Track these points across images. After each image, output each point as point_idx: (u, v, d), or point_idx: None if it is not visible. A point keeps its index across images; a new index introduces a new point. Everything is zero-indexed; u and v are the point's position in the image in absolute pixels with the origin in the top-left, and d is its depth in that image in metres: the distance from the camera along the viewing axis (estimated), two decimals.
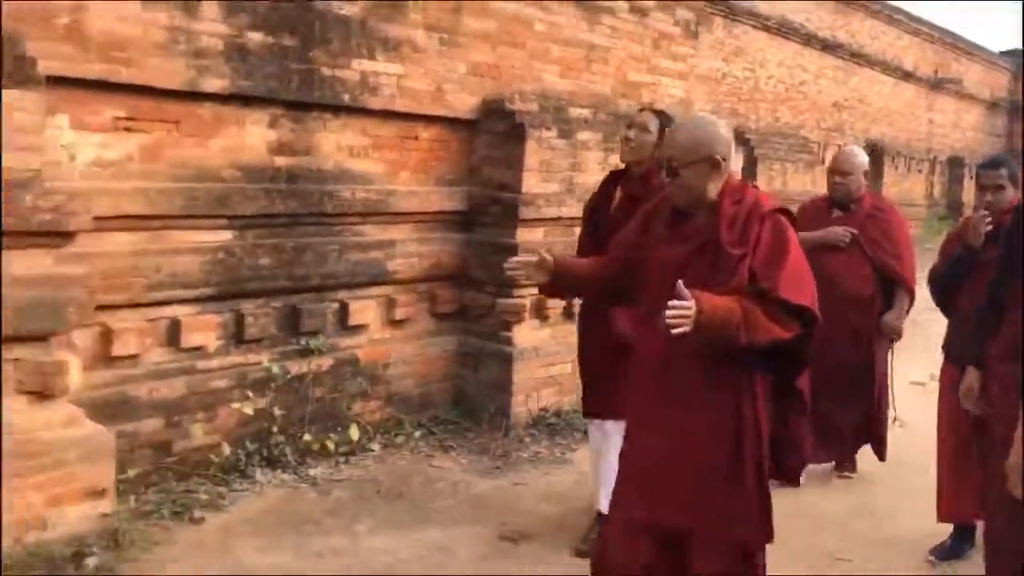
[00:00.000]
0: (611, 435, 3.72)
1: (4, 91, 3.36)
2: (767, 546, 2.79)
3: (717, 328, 2.52)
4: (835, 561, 4.03)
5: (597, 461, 3.97)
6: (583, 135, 5.84)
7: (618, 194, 3.84)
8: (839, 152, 5.03)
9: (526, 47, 5.85)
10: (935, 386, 4.37)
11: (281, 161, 4.74)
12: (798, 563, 3.83)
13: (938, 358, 4.20)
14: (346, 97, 4.92)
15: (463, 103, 5.54)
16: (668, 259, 2.73)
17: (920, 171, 21.20)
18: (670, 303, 2.47)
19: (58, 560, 3.49)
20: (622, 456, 2.91)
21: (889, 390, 5.05)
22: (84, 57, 3.89)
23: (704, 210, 2.76)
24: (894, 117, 20.04)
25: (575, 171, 5.80)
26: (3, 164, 3.37)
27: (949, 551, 4.05)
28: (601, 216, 3.85)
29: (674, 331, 2.46)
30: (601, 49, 6.39)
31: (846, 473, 5.02)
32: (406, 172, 5.42)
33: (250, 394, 4.59)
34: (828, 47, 16.41)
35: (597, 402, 3.90)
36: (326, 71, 4.79)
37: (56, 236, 3.51)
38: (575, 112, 5.93)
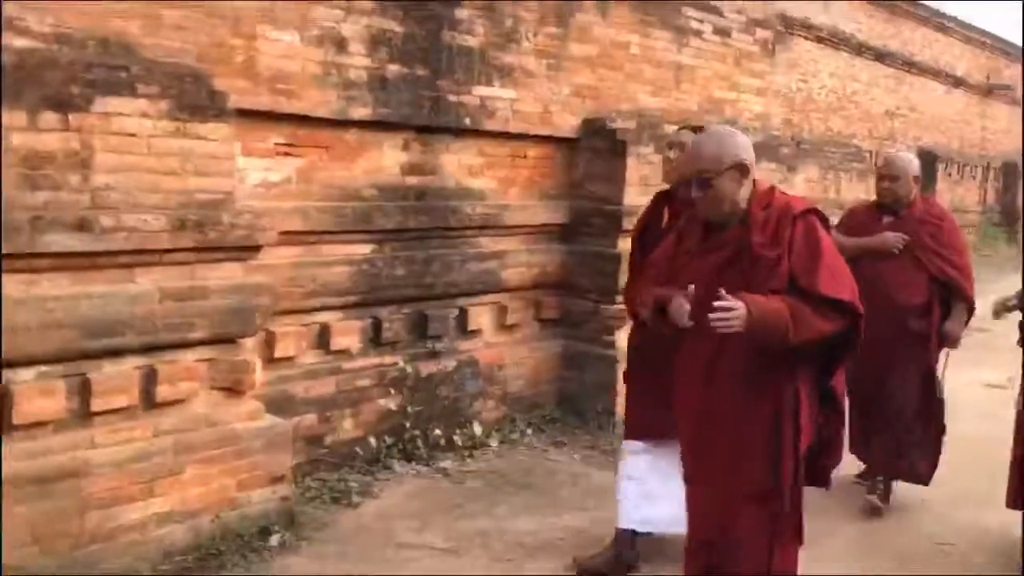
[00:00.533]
0: (625, 453, 3.97)
1: (201, 124, 3.84)
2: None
3: (768, 326, 2.58)
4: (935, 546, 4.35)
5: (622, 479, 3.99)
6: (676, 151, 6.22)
7: (666, 214, 3.85)
8: (887, 156, 4.88)
9: (623, 69, 6.27)
10: (1013, 391, 4.49)
11: (412, 180, 5.19)
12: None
13: (1012, 360, 4.40)
14: (467, 120, 5.36)
15: (567, 123, 5.97)
16: (702, 271, 2.77)
17: (974, 177, 21.25)
18: (715, 303, 2.53)
19: (246, 536, 3.95)
20: (684, 471, 3.01)
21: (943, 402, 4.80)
22: (255, 90, 4.36)
23: (735, 219, 2.81)
24: (946, 124, 20.13)
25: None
26: (200, 187, 3.85)
27: None
28: (651, 236, 3.82)
29: (723, 329, 2.53)
30: (688, 69, 6.79)
31: (874, 499, 4.65)
32: (516, 188, 5.85)
33: (391, 391, 5.04)
34: (880, 56, 16.62)
35: (654, 422, 3.75)
36: (451, 97, 5.24)
37: (246, 250, 3.98)
38: (668, 129, 6.32)
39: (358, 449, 4.90)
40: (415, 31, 4.99)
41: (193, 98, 3.83)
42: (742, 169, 2.77)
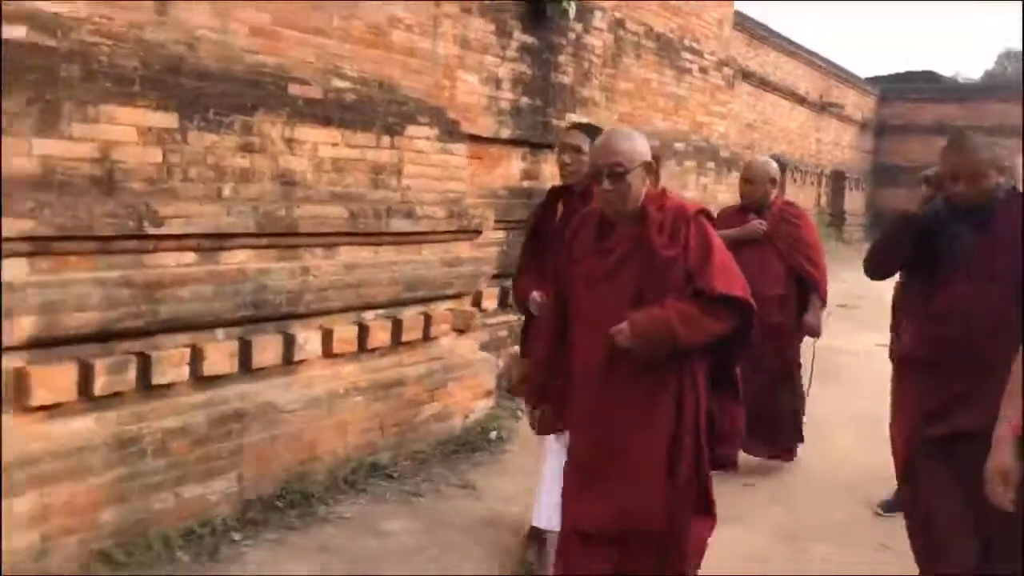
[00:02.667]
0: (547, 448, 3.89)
1: (451, 143, 5.48)
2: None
3: (652, 339, 2.73)
4: None
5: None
6: (688, 162, 8.26)
7: (560, 209, 3.99)
8: (749, 161, 5.40)
9: (646, 100, 8.22)
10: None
11: (527, 184, 6.93)
12: None
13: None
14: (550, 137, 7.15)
15: None
16: (602, 268, 2.87)
17: (812, 183, 24.57)
18: (611, 331, 2.75)
19: (472, 435, 5.60)
20: (566, 466, 3.06)
21: (806, 387, 5.38)
22: (454, 117, 6.00)
23: (630, 218, 2.88)
24: (791, 136, 23.25)
25: (683, 189, 8.20)
26: (451, 188, 5.48)
27: (895, 504, 4.36)
28: (545, 231, 4.02)
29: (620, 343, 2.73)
30: (683, 99, 8.83)
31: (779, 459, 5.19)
32: None
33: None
34: (744, 75, 19.38)
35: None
36: (554, 121, 7.01)
37: (476, 232, 5.64)
38: (679, 146, 8.34)
39: None
40: (536, 72, 6.74)
41: (447, 126, 5.46)
42: (649, 169, 2.88)
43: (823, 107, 25.38)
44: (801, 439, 5.37)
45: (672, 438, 2.82)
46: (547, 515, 3.76)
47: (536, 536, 3.90)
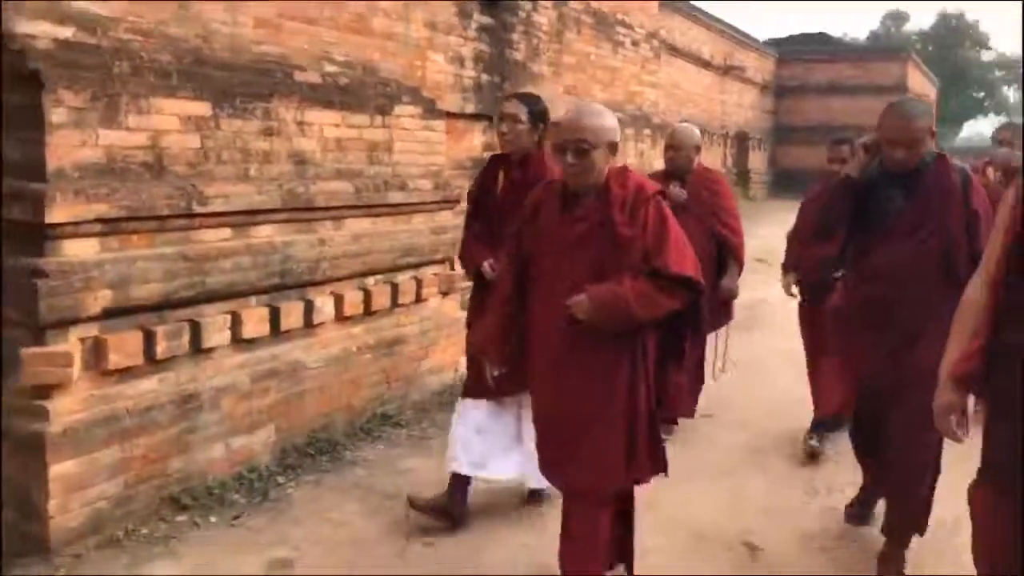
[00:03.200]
0: (504, 411, 4.00)
1: (432, 121, 5.97)
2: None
3: (609, 314, 2.87)
4: None
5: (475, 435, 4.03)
6: (627, 130, 8.90)
7: (501, 178, 4.07)
8: (673, 129, 5.40)
9: (586, 72, 8.81)
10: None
11: (487, 155, 7.43)
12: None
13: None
14: None
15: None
16: (564, 238, 2.95)
17: (719, 144, 25.65)
18: (567, 302, 2.89)
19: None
20: (536, 426, 3.24)
21: (725, 348, 5.60)
22: (430, 96, 6.48)
23: (593, 192, 2.97)
24: (698, 99, 24.19)
25: (624, 157, 8.85)
26: (433, 162, 5.98)
27: (825, 428, 5.08)
28: (486, 198, 4.13)
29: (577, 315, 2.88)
30: (618, 70, 9.46)
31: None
32: None
33: None
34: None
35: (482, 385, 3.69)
36: None
37: (455, 202, 6.16)
38: (618, 115, 8.97)
39: None
40: (493, 50, 7.25)
41: (426, 104, 5.95)
42: (613, 147, 2.97)
43: (726, 70, 26.44)
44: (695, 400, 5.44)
45: (627, 402, 2.97)
46: (457, 457, 3.98)
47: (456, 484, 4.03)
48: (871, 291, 3.59)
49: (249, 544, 3.89)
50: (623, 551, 3.33)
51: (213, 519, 4.09)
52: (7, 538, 3.62)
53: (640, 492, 3.36)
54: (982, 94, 48.58)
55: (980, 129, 56.91)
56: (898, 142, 3.43)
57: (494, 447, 3.98)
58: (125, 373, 3.95)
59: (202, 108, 4.32)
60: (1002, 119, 54.22)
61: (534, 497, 4.28)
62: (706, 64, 24.50)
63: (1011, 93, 52.30)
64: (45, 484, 3.59)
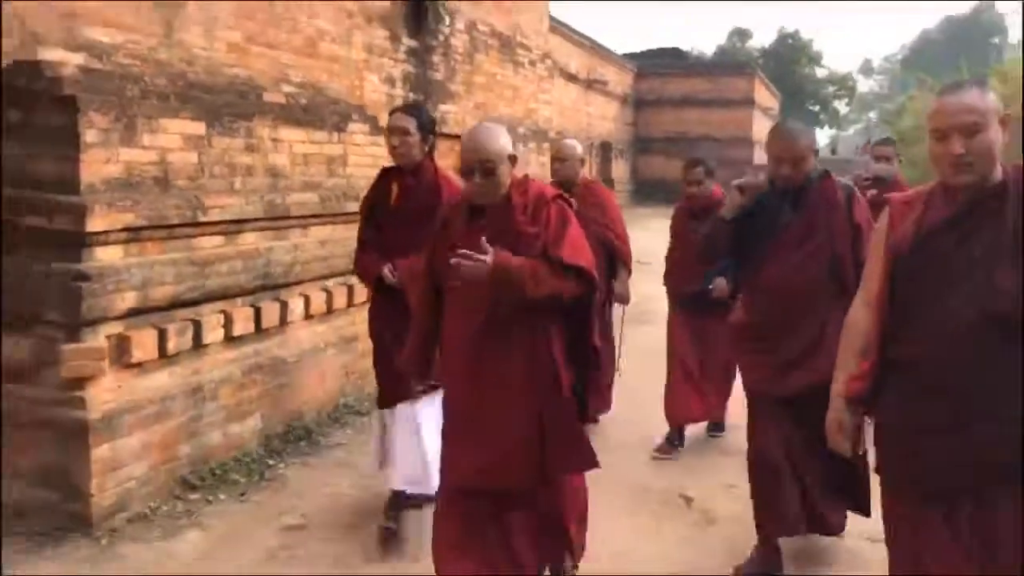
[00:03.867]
0: (400, 418, 4.11)
1: (379, 137, 6.54)
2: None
3: (510, 278, 2.94)
4: None
5: (386, 444, 4.21)
6: (530, 144, 9.67)
7: (395, 188, 4.14)
8: (559, 142, 5.64)
9: (493, 91, 9.53)
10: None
11: None
12: None
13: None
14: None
15: None
16: (471, 248, 2.96)
17: (584, 154, 26.82)
18: (463, 251, 2.90)
19: None
20: (445, 428, 3.24)
21: (617, 351, 5.81)
22: (373, 114, 7.02)
23: (498, 202, 3.11)
24: (566, 111, 25.25)
25: (526, 167, 9.61)
26: (372, 175, 6.54)
27: (671, 445, 5.44)
28: (381, 209, 4.19)
29: (468, 277, 2.91)
30: (519, 89, 10.22)
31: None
32: None
33: None
34: None
35: (397, 390, 4.04)
36: (432, 112, 8.16)
37: None
38: (520, 130, 9.73)
39: None
40: (418, 71, 7.86)
41: (371, 122, 6.53)
42: (513, 160, 3.12)
43: (590, 83, 27.72)
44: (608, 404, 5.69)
45: (539, 399, 3.07)
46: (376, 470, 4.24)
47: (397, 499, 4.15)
48: (765, 304, 3.71)
49: (261, 515, 4.39)
50: (553, 552, 3.31)
51: (222, 496, 4.56)
52: (50, 518, 4.00)
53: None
54: (817, 107, 52.23)
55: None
56: (783, 159, 3.61)
57: (397, 456, 4.12)
58: (143, 367, 4.38)
59: (198, 128, 4.78)
60: (834, 132, 58.53)
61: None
62: (572, 77, 25.65)
63: (841, 107, 56.35)
64: (88, 466, 4.01)
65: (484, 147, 3.06)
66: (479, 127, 3.21)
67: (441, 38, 8.19)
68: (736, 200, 3.72)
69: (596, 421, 5.43)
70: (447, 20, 8.19)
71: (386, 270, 4.03)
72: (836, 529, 3.93)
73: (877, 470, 2.59)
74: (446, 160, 8.66)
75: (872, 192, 5.31)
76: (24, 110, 4.07)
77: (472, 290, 3.01)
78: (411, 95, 7.72)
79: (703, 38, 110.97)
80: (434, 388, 3.64)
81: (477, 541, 3.12)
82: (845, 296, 3.30)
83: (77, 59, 4.26)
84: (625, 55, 33.77)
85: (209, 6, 5.01)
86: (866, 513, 3.81)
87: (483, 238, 2.94)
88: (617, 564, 3.95)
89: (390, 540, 4.05)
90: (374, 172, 6.52)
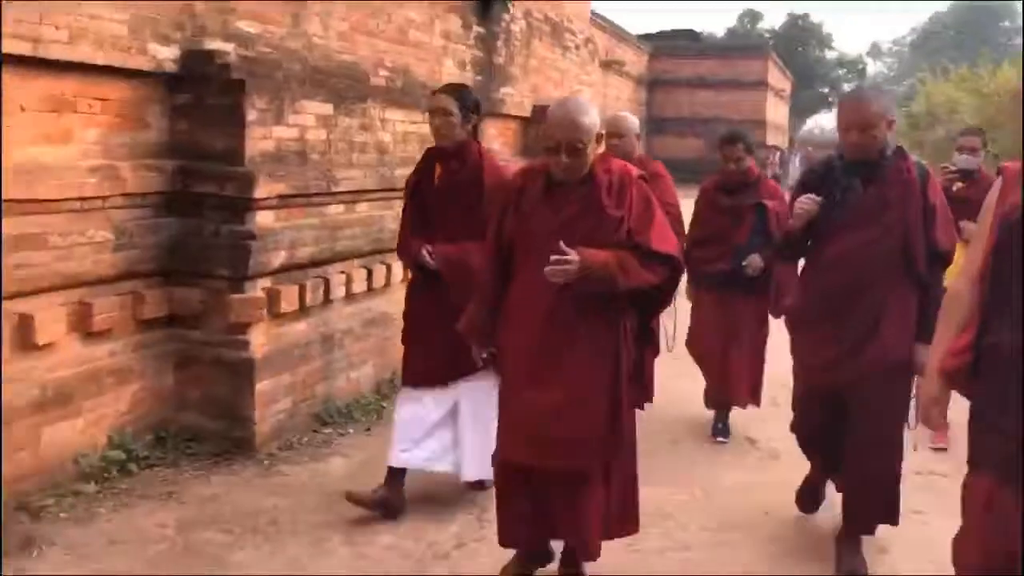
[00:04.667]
0: (438, 400, 4.10)
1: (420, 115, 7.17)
2: None
3: (598, 276, 2.92)
4: None
5: (414, 424, 4.12)
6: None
7: (438, 169, 4.09)
8: (613, 116, 5.26)
9: (543, 73, 10.14)
10: None
11: None
12: None
13: None
14: (497, 107, 8.93)
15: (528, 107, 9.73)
16: (550, 223, 2.97)
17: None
18: (553, 257, 2.85)
19: None
20: (506, 409, 3.21)
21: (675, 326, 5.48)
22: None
23: (581, 179, 3.03)
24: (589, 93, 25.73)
25: None
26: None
27: (725, 429, 5.36)
28: (425, 190, 4.13)
29: (558, 279, 2.88)
30: (565, 72, 10.83)
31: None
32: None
33: None
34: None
35: (430, 371, 4.07)
36: (493, 94, 8.79)
37: None
38: None
39: None
40: (484, 56, 8.48)
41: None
42: (600, 138, 3.06)
43: (608, 64, 28.23)
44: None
45: (613, 379, 3.07)
46: (396, 455, 4.11)
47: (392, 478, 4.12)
48: (829, 281, 3.59)
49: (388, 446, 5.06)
50: (623, 524, 3.35)
51: (351, 431, 5.25)
52: (219, 443, 4.69)
53: None
54: (826, 90, 52.69)
55: (820, 122, 61.46)
56: (852, 125, 3.46)
57: (431, 438, 4.10)
58: (287, 317, 5.05)
59: (327, 108, 5.42)
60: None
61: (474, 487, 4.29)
62: (593, 59, 26.16)
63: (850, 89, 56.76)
64: (251, 399, 4.69)
65: (575, 124, 2.96)
66: (568, 102, 3.10)
67: (503, 25, 8.81)
68: (809, 208, 3.56)
69: (643, 408, 4.96)
70: (509, 8, 8.80)
71: (424, 251, 3.99)
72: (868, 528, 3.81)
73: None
74: (504, 139, 9.33)
75: (958, 186, 5.14)
76: (194, 92, 4.72)
77: (544, 265, 2.93)
78: (478, 78, 8.35)
79: (714, 20, 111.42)
80: (494, 358, 3.45)
81: (539, 514, 3.21)
82: (915, 279, 3.45)
83: (227, 47, 4.90)
84: (640, 36, 34.24)
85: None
86: (894, 521, 3.73)
87: (560, 242, 2.89)
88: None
89: (391, 516, 4.05)
90: None
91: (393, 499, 4.07)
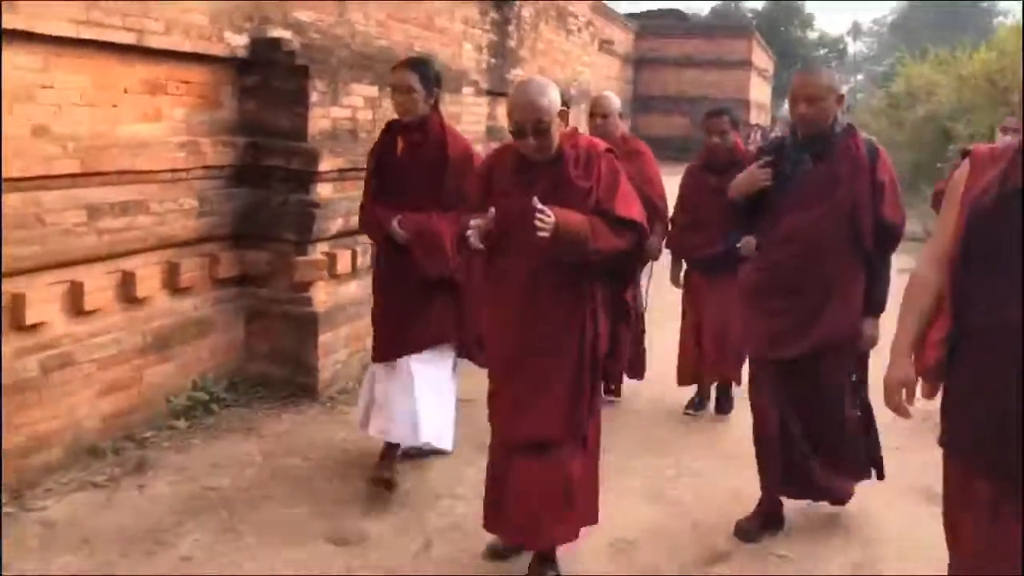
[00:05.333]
0: (397, 373, 4.15)
1: (476, 99, 7.76)
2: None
3: (572, 234, 2.98)
4: None
5: (376, 398, 4.24)
6: (581, 105, 10.90)
7: (400, 143, 4.10)
8: (596, 97, 5.54)
9: (550, 56, 10.72)
10: None
11: (490, 123, 9.27)
12: None
13: None
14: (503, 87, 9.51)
15: None
16: (523, 203, 2.97)
17: None
18: (534, 207, 2.89)
19: None
20: (492, 382, 3.34)
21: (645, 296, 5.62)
22: (475, 78, 8.23)
23: (548, 156, 3.11)
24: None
25: (581, 127, 10.85)
26: (478, 131, 7.77)
27: (700, 404, 5.44)
28: (387, 163, 4.14)
29: (540, 232, 2.88)
30: (568, 53, 11.40)
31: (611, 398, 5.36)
32: None
33: None
34: None
35: (394, 345, 4.15)
36: (506, 75, 9.37)
37: None
38: (572, 91, 10.93)
39: None
40: (498, 39, 9.06)
41: (476, 85, 7.74)
42: (564, 115, 3.10)
43: (600, 44, 28.71)
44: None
45: (580, 355, 3.16)
46: (363, 421, 4.33)
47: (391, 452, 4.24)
48: (779, 256, 3.66)
49: None
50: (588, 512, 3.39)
51: None
52: (285, 388, 5.29)
53: None
54: None
55: None
56: (800, 97, 3.53)
57: (395, 410, 4.14)
58: (341, 278, 5.65)
59: (373, 91, 6.00)
60: None
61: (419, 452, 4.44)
62: (593, 40, 26.62)
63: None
64: (315, 349, 5.30)
65: (536, 105, 3.02)
66: (527, 84, 3.14)
67: (516, 9, 9.38)
68: (757, 175, 3.67)
69: (619, 394, 5.48)
70: None
71: (395, 224, 4.01)
72: (842, 497, 3.92)
73: (940, 442, 2.45)
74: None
75: None
76: (261, 76, 5.30)
77: (516, 241, 3.07)
78: (493, 60, 8.93)
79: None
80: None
81: (523, 496, 3.22)
82: (863, 255, 3.57)
83: (286, 34, 5.47)
84: (627, 15, 34.70)
85: None
86: (879, 475, 3.91)
87: (535, 197, 2.94)
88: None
89: (389, 490, 4.08)
90: (480, 128, 7.79)
91: (389, 474, 4.14)
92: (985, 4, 58.54)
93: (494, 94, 9.17)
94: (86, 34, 4.12)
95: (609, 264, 3.17)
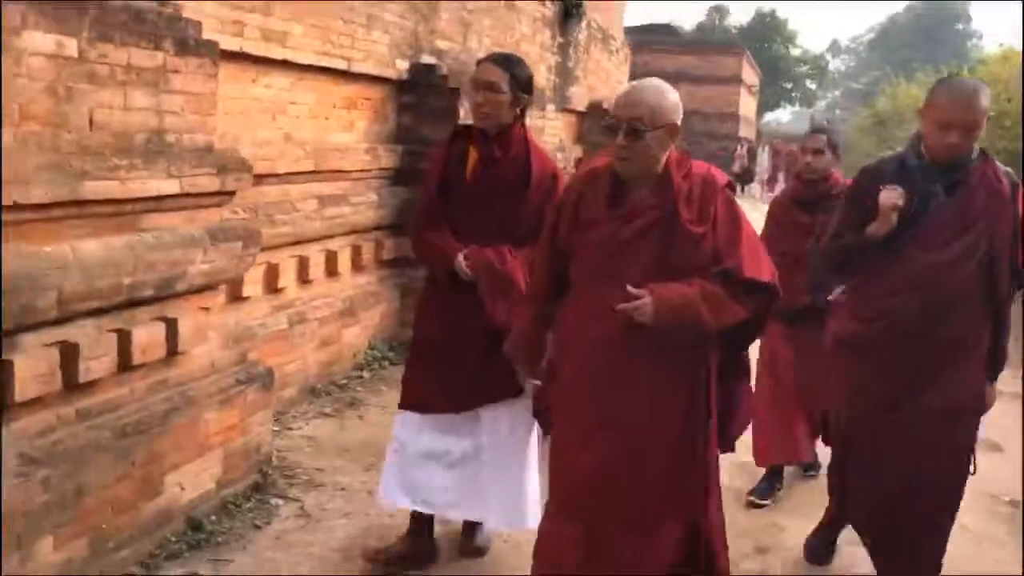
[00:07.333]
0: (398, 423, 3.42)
1: (556, 115, 8.96)
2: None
3: (679, 318, 2.42)
4: None
5: (403, 457, 3.40)
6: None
7: (472, 154, 3.25)
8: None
9: (597, 75, 11.93)
10: None
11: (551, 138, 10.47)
12: None
13: None
14: (567, 105, 10.71)
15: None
16: (616, 235, 2.50)
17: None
18: (619, 306, 2.39)
19: None
20: (561, 462, 2.64)
21: None
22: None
23: (650, 183, 2.53)
24: None
25: None
26: (557, 145, 8.97)
27: (767, 490, 4.29)
28: (454, 182, 3.27)
29: (627, 320, 2.39)
30: (609, 72, 12.63)
31: None
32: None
33: None
34: None
35: (443, 394, 3.26)
36: (566, 93, 10.57)
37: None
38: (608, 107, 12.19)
39: None
40: (561, 61, 10.25)
41: (556, 103, 8.93)
42: (673, 131, 2.50)
43: None
44: None
45: (687, 427, 2.55)
46: (387, 487, 3.44)
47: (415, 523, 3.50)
48: (896, 303, 3.04)
49: None
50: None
51: None
52: None
53: None
54: (790, 86, 55.13)
55: (778, 117, 64.22)
56: (953, 124, 2.88)
57: (439, 475, 3.35)
58: (362, 270, 6.80)
59: None
60: (802, 109, 61.77)
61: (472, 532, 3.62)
62: (626, 61, 27.88)
63: (812, 86, 59.41)
64: None
65: (636, 100, 2.48)
66: (644, 80, 2.59)
67: (574, 33, 10.62)
68: (896, 201, 2.99)
69: (732, 449, 3.51)
70: (582, 20, 10.60)
71: (460, 258, 3.18)
72: None
73: None
74: (568, 131, 11.14)
75: None
76: (416, 95, 6.47)
77: (607, 286, 2.50)
78: (556, 79, 10.15)
79: (684, 13, 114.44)
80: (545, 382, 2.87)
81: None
82: (989, 303, 2.99)
83: (429, 60, 6.65)
84: (625, 29, 36.01)
85: (475, 19, 7.43)
86: None
87: (628, 287, 2.43)
88: None
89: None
90: (554, 142, 8.98)
91: (419, 549, 3.50)
92: (960, 26, 60.74)
93: (555, 110, 10.40)
94: (323, 62, 5.28)
95: (726, 335, 2.59)
